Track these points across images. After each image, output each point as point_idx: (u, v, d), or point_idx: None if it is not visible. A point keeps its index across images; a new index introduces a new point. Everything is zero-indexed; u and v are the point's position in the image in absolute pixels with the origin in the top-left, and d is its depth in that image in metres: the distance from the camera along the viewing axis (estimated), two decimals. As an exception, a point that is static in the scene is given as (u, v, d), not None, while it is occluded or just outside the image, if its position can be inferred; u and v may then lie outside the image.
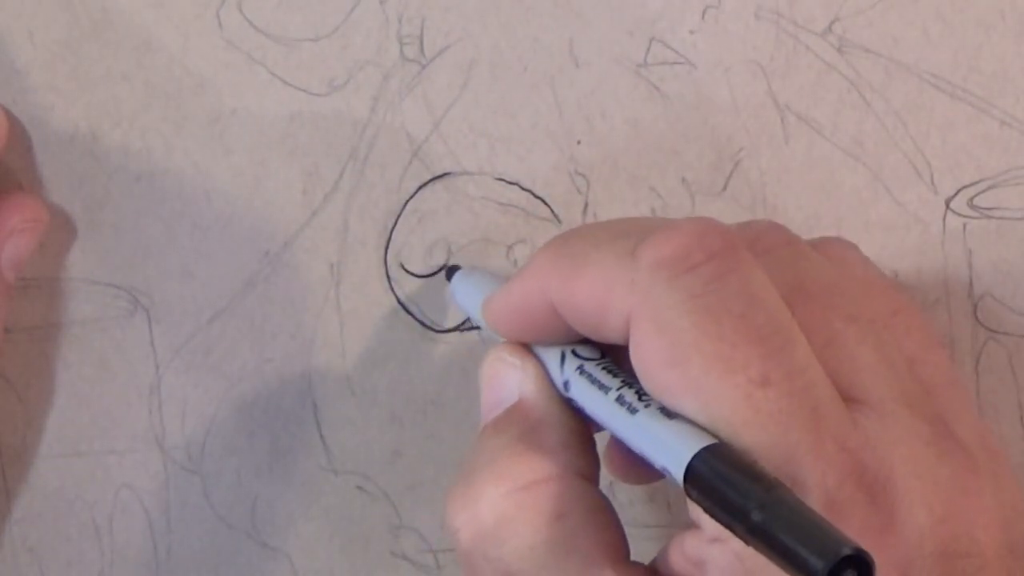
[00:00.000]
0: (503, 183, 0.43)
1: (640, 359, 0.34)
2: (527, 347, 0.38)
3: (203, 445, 0.44)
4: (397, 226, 0.44)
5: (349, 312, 0.44)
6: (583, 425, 0.37)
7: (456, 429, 0.44)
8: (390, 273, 0.44)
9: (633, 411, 0.34)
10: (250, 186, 0.43)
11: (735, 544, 0.31)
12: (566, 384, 0.37)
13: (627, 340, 0.34)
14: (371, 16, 0.43)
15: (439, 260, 0.44)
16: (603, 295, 0.35)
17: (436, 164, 0.43)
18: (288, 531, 0.45)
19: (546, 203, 0.44)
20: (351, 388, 0.44)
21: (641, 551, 0.43)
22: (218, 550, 0.45)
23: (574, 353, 0.37)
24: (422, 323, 0.44)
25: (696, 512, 0.33)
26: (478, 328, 0.44)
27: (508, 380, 0.38)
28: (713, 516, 0.31)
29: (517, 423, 0.37)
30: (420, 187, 0.43)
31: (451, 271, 0.43)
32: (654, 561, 0.35)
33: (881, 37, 0.43)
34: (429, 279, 0.44)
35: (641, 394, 0.34)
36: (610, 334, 0.35)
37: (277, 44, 0.43)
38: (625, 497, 0.44)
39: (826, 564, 0.28)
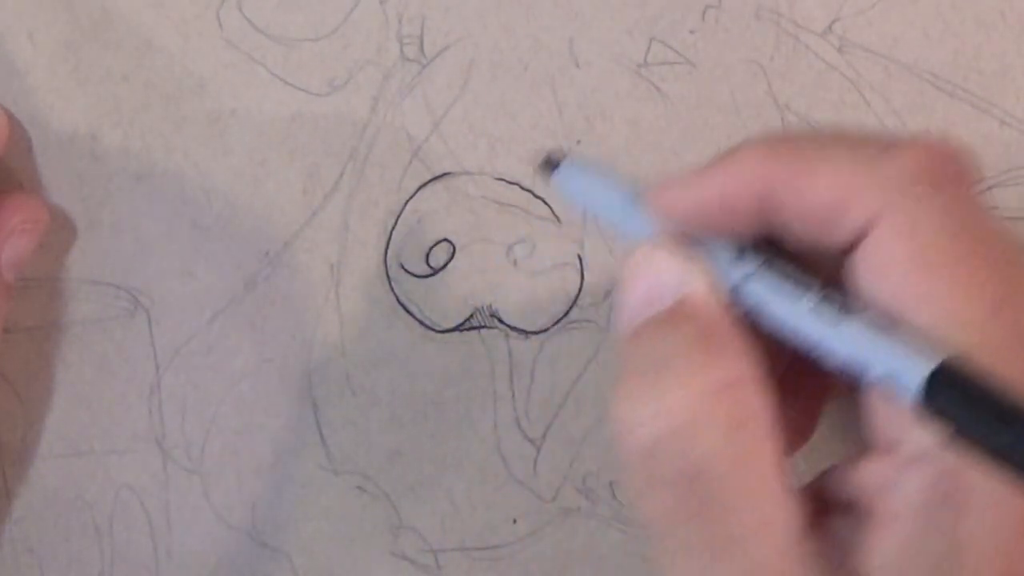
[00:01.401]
0: (503, 183, 0.44)
1: (879, 261, 0.33)
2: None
3: (203, 445, 0.44)
4: (397, 226, 0.44)
5: (349, 312, 0.44)
6: (751, 329, 0.36)
7: (456, 429, 0.44)
8: (390, 273, 0.44)
9: (836, 320, 0.33)
10: (250, 186, 0.43)
11: (937, 465, 0.31)
12: (737, 286, 0.35)
13: (852, 244, 0.34)
14: (371, 16, 0.43)
15: (439, 260, 0.44)
16: (843, 194, 0.34)
17: (436, 164, 0.43)
18: (288, 531, 0.45)
19: (546, 203, 0.44)
20: (351, 388, 0.44)
21: (642, 551, 0.43)
22: (218, 550, 0.45)
23: (753, 251, 0.35)
24: (422, 323, 0.44)
25: (892, 432, 0.33)
26: (478, 328, 0.44)
27: (667, 276, 0.36)
28: (951, 431, 0.30)
29: (691, 323, 0.35)
30: (420, 187, 0.43)
31: (552, 164, 0.37)
32: (811, 484, 0.35)
33: (881, 37, 0.43)
34: (429, 279, 0.44)
35: (839, 303, 0.33)
36: (836, 236, 0.34)
37: (277, 44, 0.43)
38: (625, 497, 0.44)
39: None
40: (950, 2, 0.43)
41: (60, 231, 0.43)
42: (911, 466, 0.32)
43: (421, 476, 0.45)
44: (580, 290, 0.44)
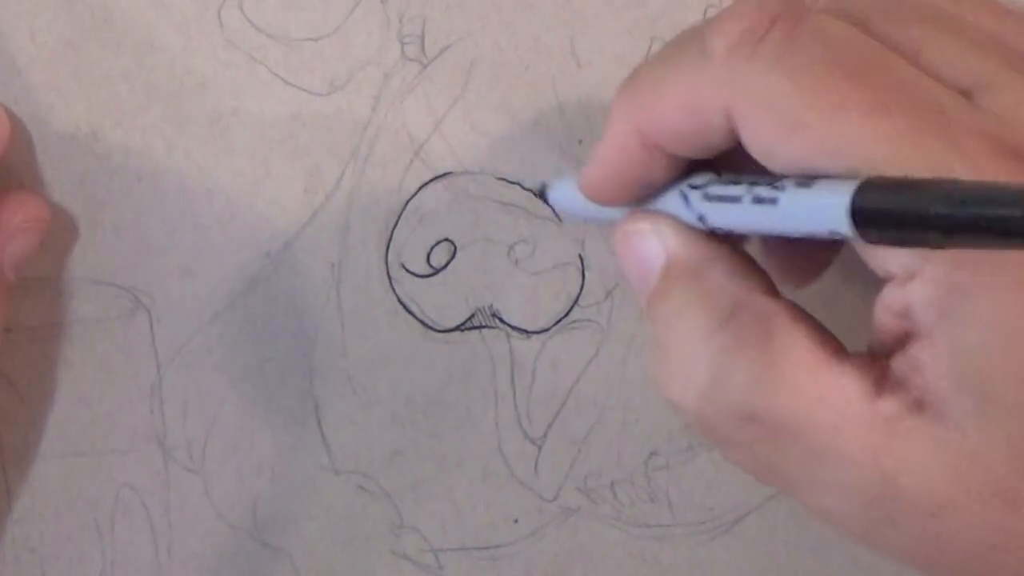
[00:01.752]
0: (504, 183, 0.44)
1: (757, 145, 0.34)
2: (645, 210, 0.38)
3: (204, 445, 0.44)
4: (398, 226, 0.44)
5: (350, 312, 0.44)
6: (738, 248, 0.37)
7: (457, 428, 0.44)
8: (391, 273, 0.44)
9: (774, 202, 0.33)
10: (251, 186, 0.43)
11: (932, 270, 0.31)
12: (701, 218, 0.36)
13: (737, 139, 0.34)
14: (372, 16, 0.43)
15: (440, 260, 0.44)
16: (694, 106, 0.34)
17: (437, 164, 0.43)
18: (289, 531, 0.45)
19: (547, 203, 0.44)
20: (352, 388, 0.44)
21: (642, 551, 0.43)
22: (219, 550, 0.45)
23: (691, 187, 0.36)
24: (423, 323, 0.44)
25: (882, 261, 0.33)
26: (479, 328, 0.44)
27: (645, 247, 0.37)
28: (900, 243, 0.30)
29: (677, 280, 0.36)
30: (421, 187, 0.43)
31: (542, 191, 0.42)
32: (870, 342, 0.35)
33: (882, 37, 0.43)
34: (430, 279, 0.44)
35: (771, 183, 0.34)
36: (718, 140, 0.35)
37: (278, 44, 0.43)
38: (626, 497, 0.45)
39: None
40: (950, 2, 0.43)
41: (61, 231, 0.43)
42: (911, 284, 0.32)
43: (422, 476, 0.45)
44: (581, 290, 0.44)
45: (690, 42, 0.35)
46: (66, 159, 0.43)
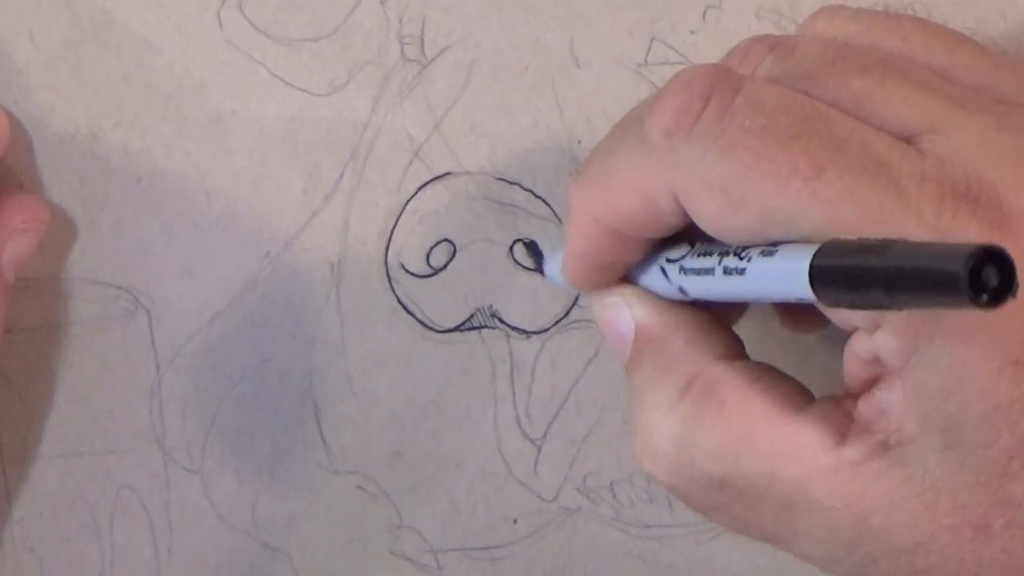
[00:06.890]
0: (504, 183, 0.44)
1: (707, 224, 0.34)
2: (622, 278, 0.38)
3: (204, 445, 0.44)
4: (398, 226, 0.44)
5: (349, 312, 0.44)
6: (706, 313, 0.37)
7: (456, 429, 0.44)
8: (390, 273, 0.44)
9: (742, 272, 0.34)
10: (251, 186, 0.43)
11: (895, 320, 0.32)
12: (682, 290, 0.37)
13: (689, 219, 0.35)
14: (371, 16, 0.43)
15: (440, 260, 0.44)
16: (643, 193, 0.35)
17: (437, 164, 0.43)
18: (288, 531, 0.45)
19: (547, 203, 0.44)
20: (352, 388, 0.44)
21: (642, 551, 0.43)
22: (218, 550, 0.45)
23: (668, 261, 0.37)
24: (422, 323, 0.44)
25: (846, 317, 0.33)
26: (478, 328, 0.44)
27: (618, 318, 0.38)
28: (852, 306, 0.31)
29: (644, 350, 0.37)
30: (421, 187, 0.43)
31: (533, 252, 0.43)
32: (843, 384, 0.35)
33: (881, 37, 0.43)
34: (429, 279, 0.44)
35: (738, 253, 0.34)
36: (673, 221, 0.35)
37: (277, 44, 0.43)
38: (626, 497, 0.45)
39: (960, 266, 0.27)
40: (950, 2, 0.43)
41: (60, 231, 0.43)
42: (876, 334, 0.33)
43: (421, 476, 0.45)
44: (581, 290, 0.44)
45: (631, 129, 0.35)
46: (65, 160, 0.43)
